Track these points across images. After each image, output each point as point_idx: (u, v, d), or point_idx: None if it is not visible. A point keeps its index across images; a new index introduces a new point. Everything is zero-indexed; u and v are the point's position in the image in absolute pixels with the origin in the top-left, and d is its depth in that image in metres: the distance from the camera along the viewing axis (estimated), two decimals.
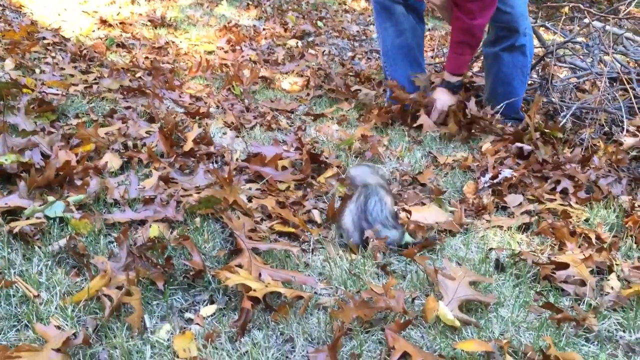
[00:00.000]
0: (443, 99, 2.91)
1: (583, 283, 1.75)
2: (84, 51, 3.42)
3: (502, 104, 3.00)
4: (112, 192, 1.89)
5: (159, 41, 4.04)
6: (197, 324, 1.45)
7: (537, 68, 3.48)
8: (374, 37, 5.30)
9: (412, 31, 3.01)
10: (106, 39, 3.84)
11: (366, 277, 1.69)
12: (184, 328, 1.43)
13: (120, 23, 4.29)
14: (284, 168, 2.23)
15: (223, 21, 5.02)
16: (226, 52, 4.06)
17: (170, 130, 2.30)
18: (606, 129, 3.04)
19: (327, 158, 2.37)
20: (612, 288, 1.76)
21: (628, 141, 2.88)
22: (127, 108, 2.60)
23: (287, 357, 1.39)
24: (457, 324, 1.49)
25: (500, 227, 2.07)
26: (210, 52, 4.02)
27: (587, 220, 2.19)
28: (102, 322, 1.37)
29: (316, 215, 1.99)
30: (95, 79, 2.93)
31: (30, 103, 2.36)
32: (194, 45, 4.15)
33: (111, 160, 2.07)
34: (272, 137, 2.57)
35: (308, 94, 3.35)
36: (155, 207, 1.82)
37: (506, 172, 2.40)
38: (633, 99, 2.84)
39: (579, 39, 3.38)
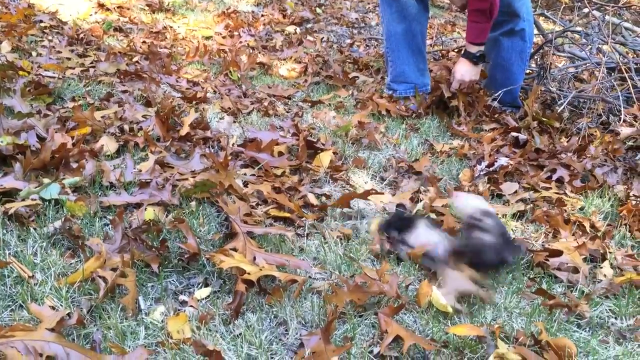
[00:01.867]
0: (462, 69, 2.90)
1: (576, 270, 1.76)
2: (81, 35, 3.40)
3: (500, 91, 3.00)
4: (108, 175, 1.88)
5: (157, 26, 4.02)
6: (192, 306, 1.45)
7: (535, 57, 3.47)
8: (372, 24, 5.29)
9: (417, 18, 3.00)
10: (103, 23, 3.82)
11: (361, 262, 1.70)
12: (178, 310, 1.44)
13: (117, 7, 4.26)
14: (280, 154, 2.23)
15: (221, 7, 4.99)
16: (224, 37, 4.04)
17: (166, 115, 2.30)
18: (603, 118, 3.04)
19: (323, 144, 2.37)
20: (604, 275, 1.78)
21: (625, 131, 2.89)
22: (124, 92, 2.59)
23: (280, 339, 1.40)
24: (450, 309, 1.50)
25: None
26: (208, 38, 3.99)
27: (581, 208, 2.20)
28: (97, 303, 1.38)
29: (312, 198, 1.99)
30: (92, 63, 2.91)
31: (27, 86, 2.35)
32: (192, 30, 4.12)
33: (107, 144, 2.07)
34: (268, 123, 2.56)
35: (306, 81, 3.34)
36: (151, 191, 1.82)
37: (502, 160, 2.41)
38: (631, 88, 2.84)
39: (578, 28, 3.37)
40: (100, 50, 3.20)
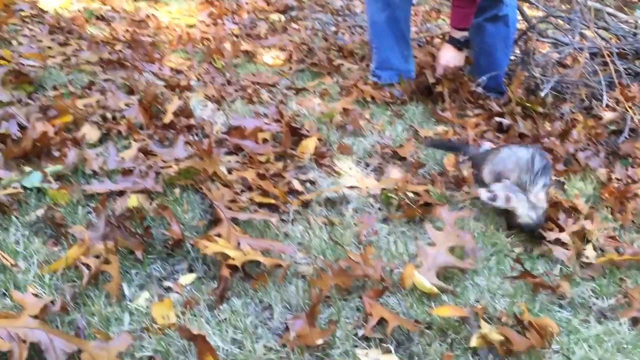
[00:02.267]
0: (447, 54, 2.91)
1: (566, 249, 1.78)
2: (62, 24, 3.36)
3: (484, 77, 3.01)
4: (90, 163, 1.87)
5: (139, 14, 3.98)
6: (176, 292, 1.46)
7: (519, 43, 3.48)
8: (357, 11, 5.27)
9: (400, 5, 2.99)
10: (85, 12, 3.78)
11: (345, 246, 1.70)
12: (163, 296, 1.44)
13: None
14: (264, 141, 2.23)
15: None
16: (208, 25, 4.01)
17: (149, 103, 2.28)
18: (586, 103, 3.06)
19: (308, 131, 2.37)
20: (587, 257, 1.80)
21: (607, 115, 2.92)
22: (106, 80, 2.57)
23: (265, 324, 1.40)
24: (435, 290, 1.52)
25: (478, 198, 2.08)
26: (191, 26, 3.96)
27: (564, 191, 2.22)
28: (80, 290, 1.38)
29: (297, 185, 1.99)
30: (73, 52, 2.89)
31: (7, 75, 2.32)
32: (175, 18, 4.09)
33: (89, 132, 2.05)
34: (252, 110, 2.56)
35: (290, 68, 3.33)
36: (134, 179, 1.81)
37: (486, 145, 2.42)
38: (613, 72, 2.86)
39: (561, 14, 3.39)
40: (81, 39, 3.17)
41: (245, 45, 3.55)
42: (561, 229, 1.85)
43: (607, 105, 2.91)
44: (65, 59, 2.76)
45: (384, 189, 2.02)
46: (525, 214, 1.83)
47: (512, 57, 3.50)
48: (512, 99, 2.94)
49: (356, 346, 1.36)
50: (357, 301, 1.49)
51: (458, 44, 2.89)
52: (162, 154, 2.00)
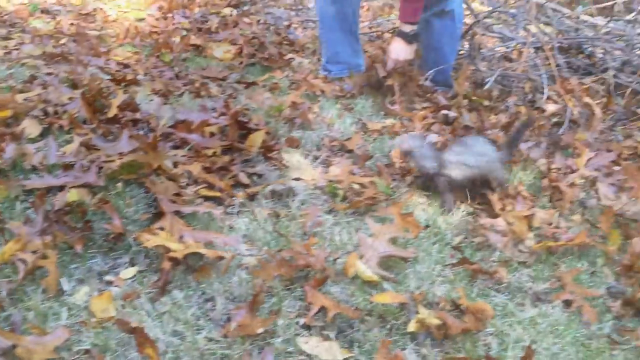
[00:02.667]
0: (397, 48, 2.94)
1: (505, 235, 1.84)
2: (5, 17, 3.27)
3: (431, 71, 3.06)
4: (30, 158, 1.83)
5: (86, 7, 3.90)
6: (117, 285, 1.44)
7: (466, 37, 3.56)
8: (310, 6, 5.28)
9: None
10: (29, 5, 3.68)
11: (290, 237, 1.72)
12: (103, 290, 1.42)
13: None
14: (211, 134, 2.21)
15: None
16: (157, 19, 3.96)
17: (94, 97, 2.24)
18: (530, 96, 3.15)
19: (256, 125, 2.37)
20: (525, 244, 1.85)
21: (550, 108, 3.01)
22: (49, 74, 2.52)
23: (207, 315, 1.41)
24: (376, 278, 1.55)
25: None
26: (140, 20, 3.91)
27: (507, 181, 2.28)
28: (17, 285, 1.35)
29: (243, 178, 2.00)
30: (15, 45, 2.81)
31: None
32: (124, 12, 4.02)
33: (30, 127, 2.01)
34: (200, 104, 2.54)
35: (241, 62, 3.32)
36: (75, 173, 1.78)
37: (431, 137, 2.47)
38: (553, 66, 2.96)
39: (505, 9, 3.48)
40: (25, 32, 3.09)
41: (195, 40, 3.52)
42: (496, 216, 1.91)
43: (549, 98, 3.01)
44: (7, 53, 2.69)
45: (330, 180, 2.04)
46: (421, 160, 2.04)
47: (461, 52, 3.57)
48: (458, 92, 3.01)
49: (298, 334, 1.38)
50: (300, 291, 1.50)
51: (408, 38, 2.93)
52: (105, 148, 1.97)
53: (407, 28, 2.91)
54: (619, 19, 3.58)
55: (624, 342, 1.52)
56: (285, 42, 3.83)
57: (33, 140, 1.97)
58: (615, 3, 4.08)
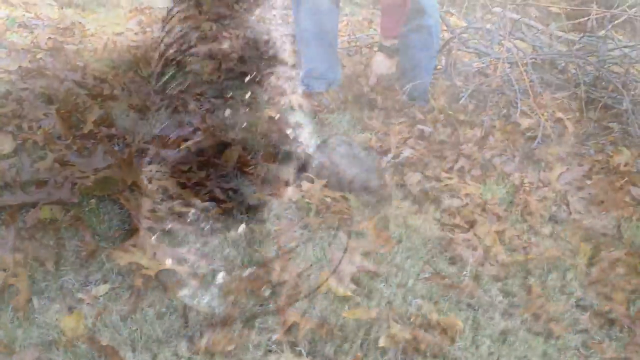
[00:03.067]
0: (379, 62, 2.98)
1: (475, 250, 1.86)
2: None
3: (408, 85, 3.10)
4: (3, 174, 1.83)
5: (65, 21, 3.89)
6: (88, 303, 1.44)
7: (443, 52, 3.61)
8: (289, 21, 5.32)
9: (327, 13, 3.06)
10: (7, 19, 3.67)
11: (264, 254, 1.73)
12: (74, 308, 1.42)
13: (23, 2, 4.10)
14: (187, 150, 2.22)
15: (135, 2, 4.89)
16: (136, 33, 3.96)
17: (69, 112, 2.24)
18: (505, 111, 3.20)
19: (233, 140, 2.38)
20: (496, 257, 1.89)
21: (525, 122, 3.06)
22: (24, 89, 2.51)
23: (179, 332, 1.41)
24: (348, 293, 1.56)
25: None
26: (119, 34, 3.91)
27: (480, 195, 2.31)
28: None
29: (218, 193, 2.00)
30: None
31: None
32: (103, 26, 4.02)
33: (3, 142, 2.00)
34: (177, 120, 2.55)
35: (219, 77, 3.33)
36: (49, 189, 1.77)
37: (407, 152, 2.50)
38: (527, 81, 3.01)
39: (480, 26, 3.54)
40: (1, 47, 3.08)
41: (173, 54, 3.52)
42: (467, 230, 1.94)
43: (522, 112, 3.06)
44: None
45: (304, 195, 2.06)
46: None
47: (438, 67, 3.62)
48: (434, 107, 3.05)
49: (270, 351, 1.39)
50: (272, 307, 1.51)
51: (389, 52, 2.97)
52: (79, 164, 1.97)
53: (388, 42, 2.96)
54: (591, 35, 3.65)
55: (591, 355, 1.55)
56: (264, 57, 3.85)
57: (7, 157, 1.96)
58: (588, 19, 4.17)
